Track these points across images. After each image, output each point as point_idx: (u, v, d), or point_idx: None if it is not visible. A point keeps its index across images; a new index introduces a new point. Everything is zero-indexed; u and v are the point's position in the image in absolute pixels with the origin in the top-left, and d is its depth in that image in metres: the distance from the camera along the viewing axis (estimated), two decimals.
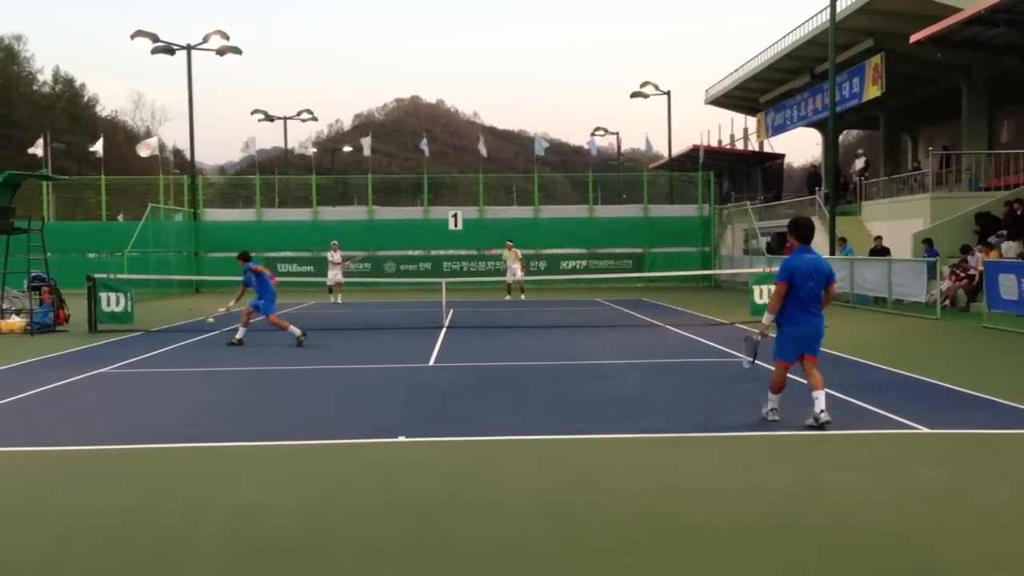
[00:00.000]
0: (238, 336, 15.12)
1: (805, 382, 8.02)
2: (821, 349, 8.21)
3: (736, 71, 41.98)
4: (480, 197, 37.89)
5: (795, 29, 34.37)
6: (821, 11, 30.39)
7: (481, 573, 4.55)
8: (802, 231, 8.10)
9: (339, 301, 26.37)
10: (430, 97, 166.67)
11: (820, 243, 28.56)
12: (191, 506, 5.75)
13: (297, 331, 14.83)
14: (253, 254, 16.61)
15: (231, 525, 5.36)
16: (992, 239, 21.97)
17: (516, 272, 27.44)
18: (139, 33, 34.24)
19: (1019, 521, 5.29)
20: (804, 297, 7.79)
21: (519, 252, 28.10)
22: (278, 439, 7.72)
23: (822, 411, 7.68)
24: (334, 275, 26.69)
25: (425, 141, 40.75)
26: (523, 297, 26.76)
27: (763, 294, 18.29)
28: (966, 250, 21.10)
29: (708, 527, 5.18)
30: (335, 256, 27.18)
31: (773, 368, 8.11)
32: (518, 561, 4.69)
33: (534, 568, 4.60)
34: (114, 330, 17.29)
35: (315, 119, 55.56)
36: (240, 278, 16.14)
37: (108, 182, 37.25)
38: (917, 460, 6.80)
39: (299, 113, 54.31)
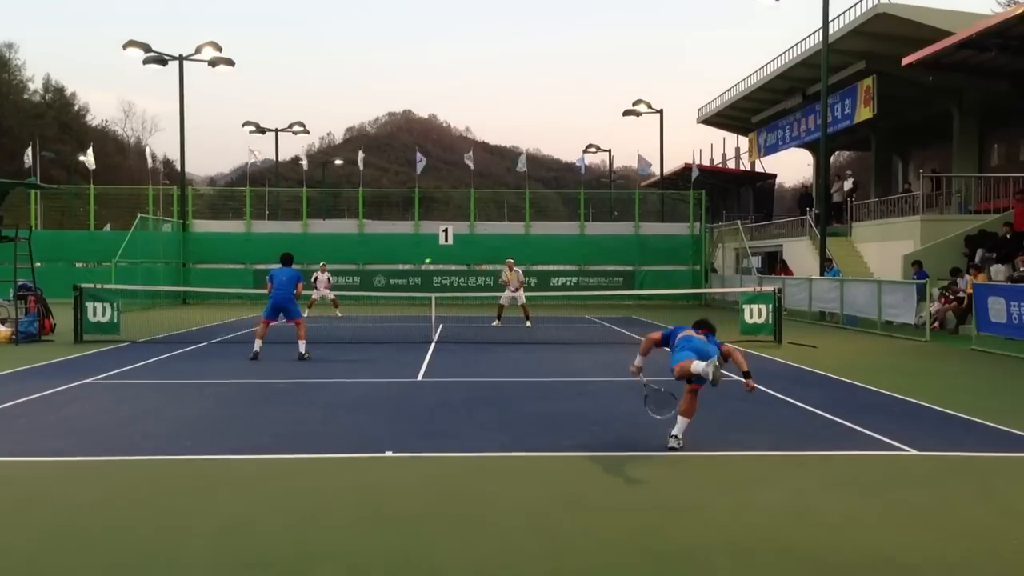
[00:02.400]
0: (302, 350, 14.83)
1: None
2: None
3: (729, 91, 42.21)
4: (471, 212, 37.90)
5: (788, 50, 34.62)
6: (814, 32, 30.62)
7: None
8: (708, 327, 8.30)
9: (339, 314, 26.02)
10: (422, 112, 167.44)
11: (810, 264, 28.71)
12: (175, 519, 5.68)
13: (256, 347, 14.79)
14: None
15: (215, 539, 5.29)
16: (978, 258, 22.09)
17: (520, 298, 22.91)
18: (131, 43, 34.24)
19: (1007, 544, 5.27)
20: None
21: (520, 272, 23.76)
22: (264, 453, 7.65)
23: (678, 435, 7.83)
24: (320, 296, 25.93)
25: (420, 156, 40.76)
26: (529, 324, 22.25)
27: (753, 313, 18.30)
28: (956, 273, 21.18)
29: (696, 547, 5.14)
30: (323, 276, 26.40)
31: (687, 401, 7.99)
32: None
33: None
34: (100, 340, 17.16)
35: (307, 132, 55.55)
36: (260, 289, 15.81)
37: (97, 191, 37.14)
38: (905, 482, 6.77)
39: (291, 125, 54.30)
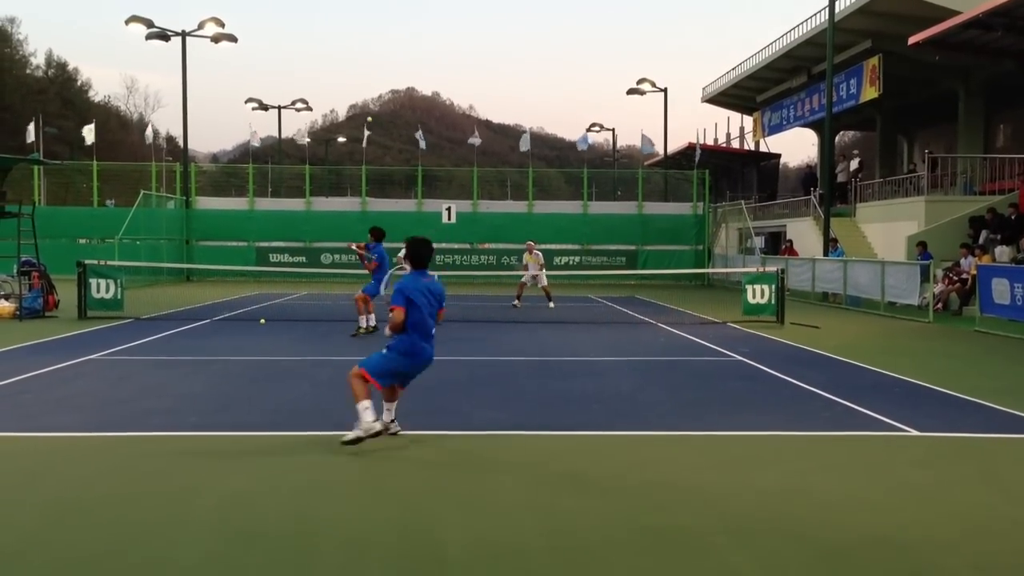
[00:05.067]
0: (371, 323, 15.08)
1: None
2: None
3: (733, 69, 41.93)
4: (474, 191, 37.83)
5: (793, 29, 34.35)
6: (820, 11, 30.38)
7: (467, 566, 4.52)
8: (416, 254, 7.28)
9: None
10: (426, 89, 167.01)
11: (814, 244, 28.66)
12: (178, 494, 5.72)
13: (363, 323, 14.98)
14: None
15: (218, 514, 5.32)
16: (983, 239, 22.01)
17: (542, 279, 22.62)
18: (134, 18, 34.06)
19: (1007, 525, 5.29)
20: (424, 326, 7.14)
21: (541, 256, 23.19)
22: (267, 429, 7.69)
23: (393, 420, 7.27)
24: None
25: (421, 134, 40.61)
26: (552, 306, 21.58)
27: (756, 294, 18.29)
28: (967, 248, 21.07)
29: (696, 526, 5.17)
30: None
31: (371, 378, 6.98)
32: (504, 555, 4.67)
33: (520, 562, 4.57)
34: (104, 317, 17.20)
35: (309, 109, 55.49)
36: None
37: (100, 168, 37.11)
38: (906, 463, 6.79)
39: (293, 102, 54.17)
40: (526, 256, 23.37)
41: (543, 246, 36.39)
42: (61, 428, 7.62)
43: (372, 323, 15.12)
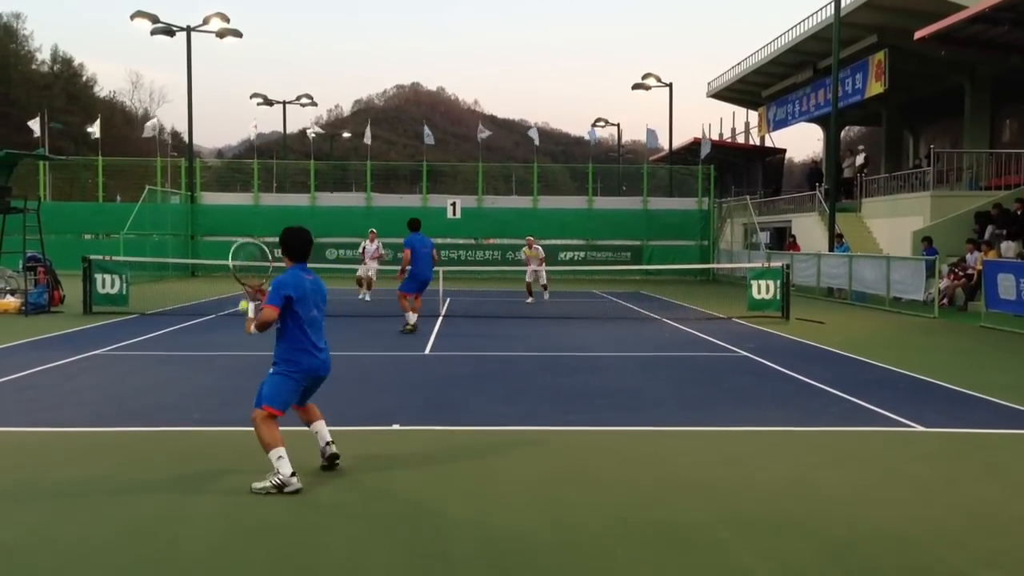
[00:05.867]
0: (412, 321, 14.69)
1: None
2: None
3: (739, 64, 41.87)
4: (479, 186, 37.81)
5: (799, 23, 34.29)
6: (825, 6, 30.29)
7: (473, 561, 4.52)
8: (293, 245, 6.18)
9: (367, 299, 22.14)
10: (430, 84, 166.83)
11: (819, 240, 28.61)
12: (183, 489, 5.73)
13: (412, 319, 14.61)
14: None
15: (223, 509, 5.33)
16: (988, 235, 21.95)
17: (541, 275, 22.60)
18: (139, 14, 34.03)
19: (1013, 520, 5.27)
20: (311, 327, 6.14)
21: (541, 250, 23.12)
22: None
23: (330, 443, 6.25)
24: (367, 268, 23.07)
25: (428, 130, 40.57)
26: (546, 297, 22.41)
27: (761, 289, 18.26)
28: (972, 243, 21.01)
29: (701, 520, 5.16)
30: (372, 246, 23.36)
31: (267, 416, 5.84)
32: (511, 550, 4.67)
33: (526, 557, 4.57)
34: (109, 312, 17.22)
35: (314, 104, 55.34)
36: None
37: (105, 163, 37.15)
38: (912, 458, 6.78)
39: (298, 98, 54.11)
40: (525, 251, 23.25)
41: (548, 241, 36.44)
42: (66, 423, 7.64)
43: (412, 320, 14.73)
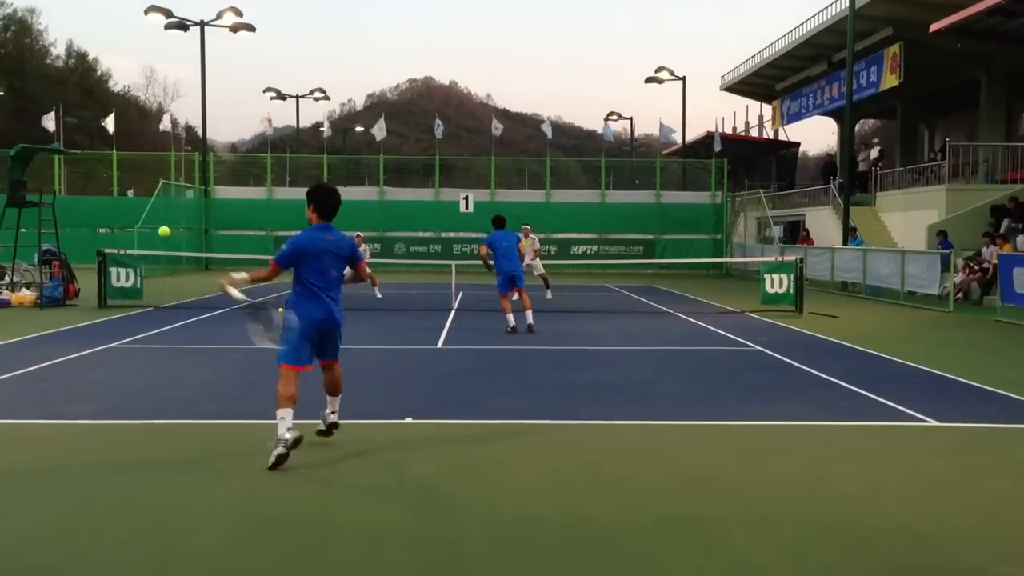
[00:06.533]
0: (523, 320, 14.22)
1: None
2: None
3: (753, 57, 41.67)
4: (492, 180, 37.79)
5: (813, 16, 34.09)
6: None
7: (485, 556, 4.53)
8: (322, 202, 6.44)
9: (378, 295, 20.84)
10: (443, 78, 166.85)
11: (834, 233, 28.47)
12: (197, 482, 5.76)
13: (511, 321, 14.11)
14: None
15: (237, 502, 5.36)
16: (1004, 228, 21.79)
17: (537, 267, 21.30)
18: (153, 8, 34.21)
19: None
20: (315, 278, 6.29)
21: (536, 240, 22.34)
22: None
23: (333, 412, 6.68)
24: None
25: (440, 124, 40.55)
26: (549, 296, 20.72)
27: (774, 283, 18.20)
28: (988, 237, 20.87)
29: (713, 515, 5.15)
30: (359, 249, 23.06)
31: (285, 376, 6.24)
32: (522, 545, 4.67)
33: (538, 552, 4.58)
34: (123, 305, 17.32)
35: (327, 98, 55.31)
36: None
37: (120, 157, 37.35)
38: (926, 453, 6.75)
39: (311, 92, 54.15)
40: (523, 241, 22.04)
41: (561, 235, 36.50)
42: (81, 416, 7.68)
43: (528, 320, 14.25)
